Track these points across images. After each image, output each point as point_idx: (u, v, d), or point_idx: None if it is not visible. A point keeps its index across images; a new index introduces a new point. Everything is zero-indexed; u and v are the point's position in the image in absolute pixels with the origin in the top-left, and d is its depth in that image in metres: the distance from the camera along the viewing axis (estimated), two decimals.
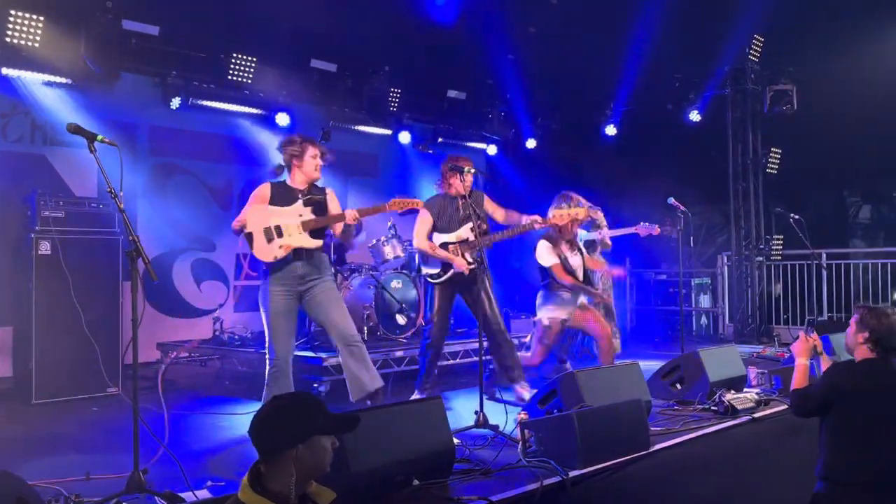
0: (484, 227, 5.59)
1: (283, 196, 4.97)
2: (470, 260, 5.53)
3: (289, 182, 5.04)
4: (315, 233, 4.92)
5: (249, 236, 4.88)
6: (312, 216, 4.91)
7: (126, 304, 6.64)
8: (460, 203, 5.61)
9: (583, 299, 6.38)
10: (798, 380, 3.99)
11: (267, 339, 5.00)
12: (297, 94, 9.69)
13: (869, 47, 9.46)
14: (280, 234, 4.85)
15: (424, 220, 5.76)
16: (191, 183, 9.20)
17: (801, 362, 4.08)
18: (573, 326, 6.40)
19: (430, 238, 5.75)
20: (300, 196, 4.96)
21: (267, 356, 5.03)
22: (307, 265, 4.92)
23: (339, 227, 5.05)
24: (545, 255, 6.16)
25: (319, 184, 5.13)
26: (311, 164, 4.99)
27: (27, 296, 6.32)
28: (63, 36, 7.36)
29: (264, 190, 5.00)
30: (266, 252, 4.84)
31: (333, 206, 5.09)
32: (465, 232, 5.64)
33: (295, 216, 4.88)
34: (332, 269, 5.17)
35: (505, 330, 5.66)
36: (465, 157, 5.76)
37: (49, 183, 7.60)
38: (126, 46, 7.94)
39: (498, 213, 5.67)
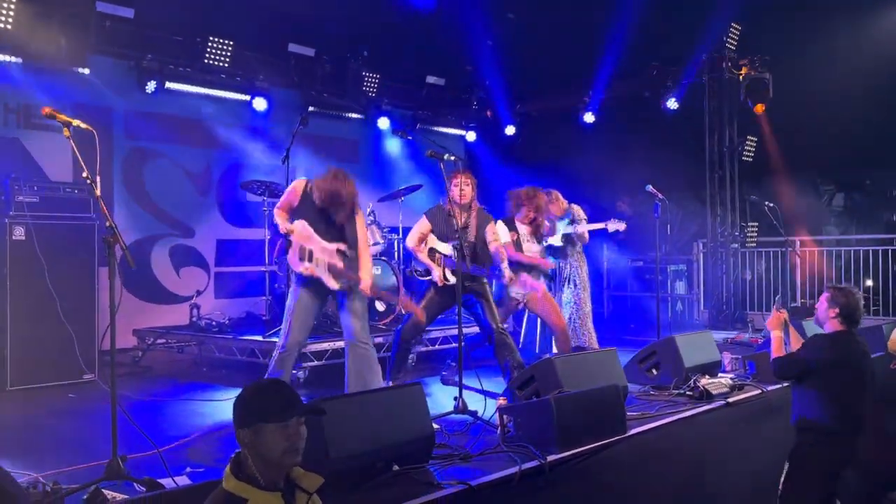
0: (476, 246, 5.63)
1: (312, 210, 5.04)
2: (449, 277, 5.54)
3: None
4: (339, 278, 5.04)
5: (290, 243, 5.07)
6: (341, 267, 5.01)
7: (102, 291, 6.59)
8: (456, 218, 5.57)
9: (543, 286, 6.47)
10: (776, 349, 4.53)
11: (283, 326, 5.09)
12: (274, 78, 9.63)
13: (844, 37, 9.56)
14: (310, 259, 5.00)
15: (421, 223, 5.78)
16: (168, 168, 9.12)
17: (777, 335, 4.60)
18: (531, 310, 6.50)
19: (423, 243, 5.77)
20: (335, 227, 5.05)
21: (279, 341, 5.09)
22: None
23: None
24: (502, 233, 6.34)
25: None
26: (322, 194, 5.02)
27: (1, 281, 6.23)
28: (37, 18, 7.25)
29: (298, 186, 5.10)
30: (295, 263, 5.02)
31: (361, 223, 5.17)
32: (448, 249, 5.62)
33: (328, 256, 5.00)
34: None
35: (503, 331, 5.64)
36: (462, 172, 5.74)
37: (24, 166, 7.51)
38: (101, 29, 7.84)
39: (491, 245, 5.68)
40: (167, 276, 9.12)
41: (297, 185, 5.12)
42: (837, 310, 4.37)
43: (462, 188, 5.56)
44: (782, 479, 4.29)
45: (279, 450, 2.28)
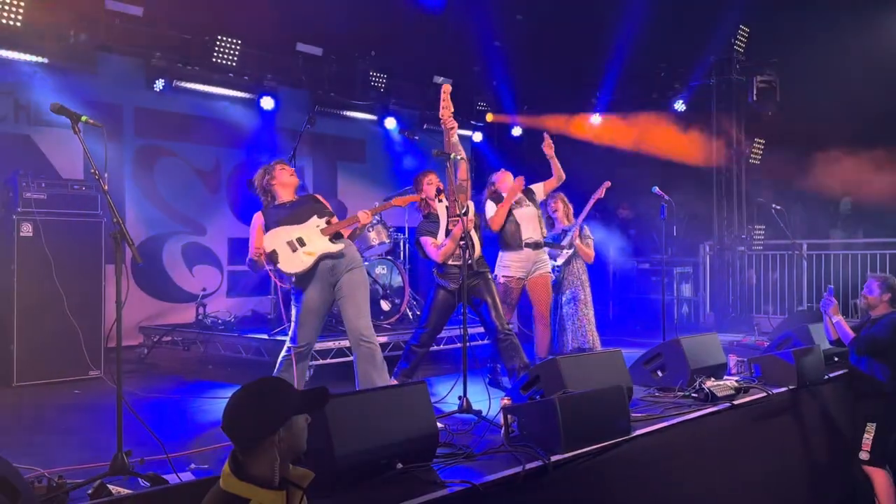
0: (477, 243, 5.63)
1: (279, 214, 5.03)
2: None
3: (278, 202, 5.11)
4: (335, 237, 5.02)
5: (273, 254, 4.92)
6: (328, 225, 5.03)
7: (109, 287, 6.62)
8: (445, 211, 5.62)
9: (545, 269, 6.46)
10: (848, 330, 5.33)
11: (292, 327, 5.03)
12: (282, 77, 9.66)
13: (853, 39, 9.52)
14: (303, 244, 4.95)
15: (430, 241, 5.70)
16: (178, 165, 9.15)
17: (840, 318, 5.40)
18: (529, 290, 6.49)
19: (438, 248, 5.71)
20: (288, 204, 5.08)
21: (287, 342, 5.03)
22: (335, 258, 4.99)
23: (348, 230, 5.15)
24: (488, 210, 6.41)
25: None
26: (283, 173, 5.10)
27: (9, 277, 6.27)
28: (46, 15, 7.29)
29: (257, 219, 5.10)
30: (292, 262, 4.91)
31: (324, 201, 5.22)
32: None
33: (313, 227, 5.00)
34: (362, 256, 5.21)
35: (508, 332, 5.62)
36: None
37: (35, 163, 7.54)
38: (110, 27, 7.88)
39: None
40: (181, 274, 9.15)
41: (256, 218, 5.12)
42: (890, 294, 5.21)
43: (434, 186, 5.70)
44: (871, 438, 5.18)
45: (304, 439, 2.32)
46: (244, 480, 2.22)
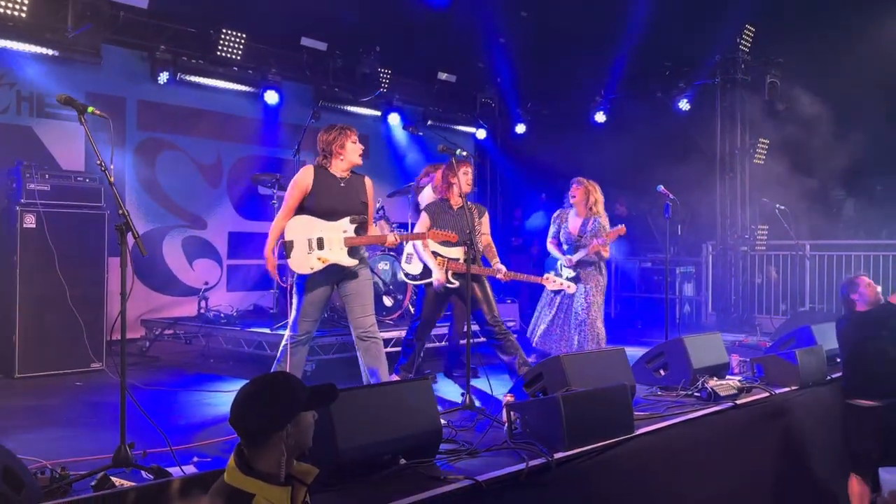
0: (480, 247, 5.62)
1: (324, 191, 4.89)
2: (452, 281, 5.57)
3: (330, 169, 4.95)
4: (354, 251, 4.91)
5: (289, 245, 4.84)
6: (355, 234, 4.91)
7: (112, 280, 6.61)
8: (458, 215, 5.59)
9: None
10: None
11: (292, 317, 4.98)
12: (286, 72, 9.64)
13: (857, 41, 9.51)
14: (321, 247, 4.84)
15: (423, 221, 5.77)
16: (180, 159, 9.13)
17: None
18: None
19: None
20: (341, 182, 4.93)
21: (287, 332, 4.98)
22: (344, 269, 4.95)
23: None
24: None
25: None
26: (353, 151, 4.95)
27: (11, 269, 6.25)
28: (50, 7, 7.28)
29: (307, 176, 4.90)
30: (303, 263, 4.83)
31: (370, 196, 5.06)
32: (458, 253, 5.62)
33: (339, 231, 4.87)
34: (366, 255, 5.17)
35: (504, 332, 5.62)
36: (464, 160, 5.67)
37: (36, 155, 7.52)
38: (114, 19, 7.86)
39: (483, 238, 5.67)
40: (181, 267, 9.14)
41: (305, 172, 4.93)
42: None
43: (470, 176, 5.65)
44: None
45: (311, 435, 2.31)
46: (250, 475, 2.21)
